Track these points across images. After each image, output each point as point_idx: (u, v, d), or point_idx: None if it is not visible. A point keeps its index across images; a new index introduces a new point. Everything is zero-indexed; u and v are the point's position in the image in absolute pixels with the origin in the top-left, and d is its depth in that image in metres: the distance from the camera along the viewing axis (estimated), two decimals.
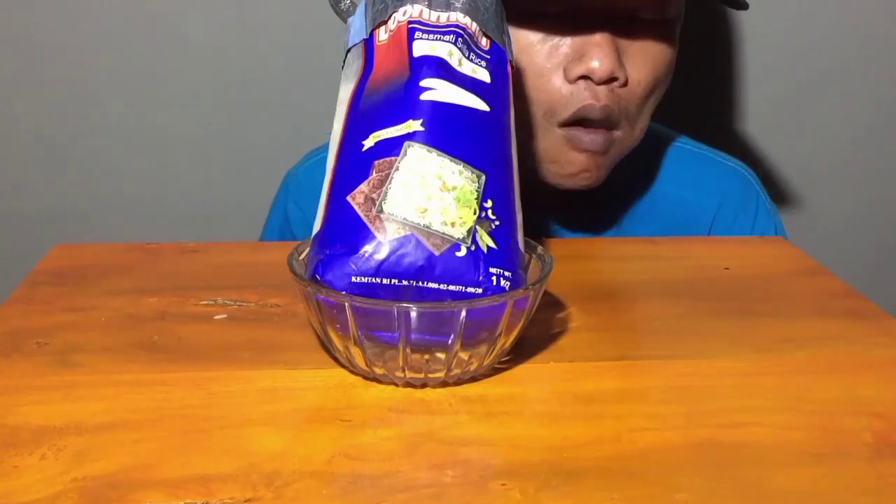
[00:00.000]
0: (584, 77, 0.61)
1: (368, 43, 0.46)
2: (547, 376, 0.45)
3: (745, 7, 0.62)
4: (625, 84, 0.62)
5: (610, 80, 0.61)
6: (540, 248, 0.47)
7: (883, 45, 1.07)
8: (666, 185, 0.77)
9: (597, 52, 0.59)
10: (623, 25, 0.61)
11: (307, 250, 0.45)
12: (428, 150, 0.42)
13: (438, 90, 0.43)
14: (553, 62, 0.61)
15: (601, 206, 0.76)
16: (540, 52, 0.61)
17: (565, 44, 0.61)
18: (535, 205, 0.72)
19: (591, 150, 0.63)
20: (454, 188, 0.42)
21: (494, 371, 0.45)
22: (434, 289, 0.41)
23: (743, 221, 0.77)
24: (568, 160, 0.64)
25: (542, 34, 0.61)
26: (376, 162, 0.42)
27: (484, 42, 0.46)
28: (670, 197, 0.76)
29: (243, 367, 0.45)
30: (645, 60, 0.62)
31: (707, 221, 0.77)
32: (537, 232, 0.74)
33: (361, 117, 0.44)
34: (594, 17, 0.60)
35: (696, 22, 1.04)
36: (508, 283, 0.42)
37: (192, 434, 0.39)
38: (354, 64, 0.46)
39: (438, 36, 0.45)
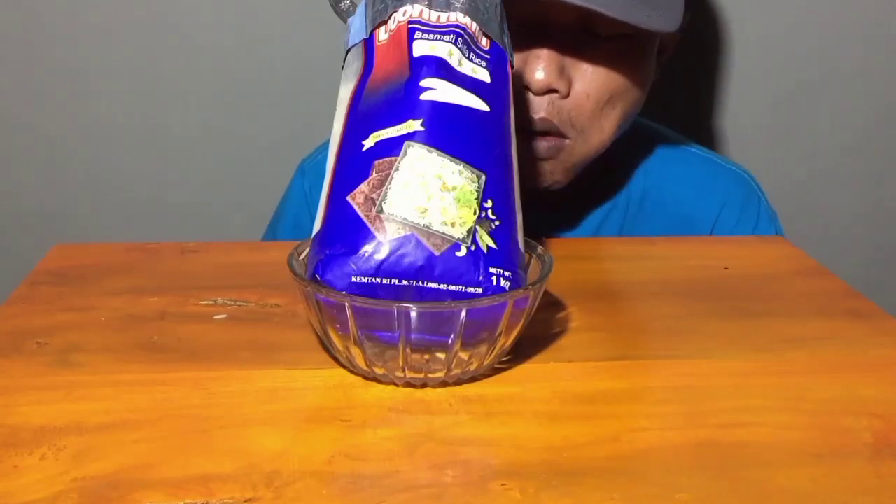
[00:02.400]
0: (526, 88, 0.61)
1: (368, 43, 0.46)
2: (547, 376, 0.45)
3: (679, 29, 0.62)
4: (567, 96, 0.62)
5: (548, 91, 0.61)
6: (540, 248, 0.47)
7: (883, 45, 1.07)
8: (669, 187, 0.77)
9: (537, 63, 0.60)
10: (576, 39, 0.61)
11: (307, 250, 0.45)
12: (428, 150, 0.42)
13: (438, 90, 0.43)
14: None
15: (601, 206, 0.76)
16: None
17: (514, 55, 0.62)
18: (534, 204, 0.72)
19: (535, 156, 0.64)
20: (454, 188, 0.42)
21: (494, 371, 0.45)
22: (434, 289, 0.41)
23: (744, 225, 0.77)
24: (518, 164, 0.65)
25: None
26: (376, 162, 0.42)
27: (484, 42, 0.46)
28: (673, 198, 0.77)
29: (243, 367, 0.45)
30: (596, 74, 0.62)
31: (709, 224, 0.77)
32: (537, 231, 0.74)
33: (361, 117, 0.44)
34: (545, 31, 0.61)
35: (696, 25, 1.04)
36: (508, 283, 0.42)
37: (192, 434, 0.39)
38: (354, 64, 0.46)
39: (438, 36, 0.45)
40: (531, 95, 0.62)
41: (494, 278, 0.42)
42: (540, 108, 0.62)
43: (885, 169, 1.14)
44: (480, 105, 0.44)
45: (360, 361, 0.42)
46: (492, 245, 0.42)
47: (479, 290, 0.42)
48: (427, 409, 0.42)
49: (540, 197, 0.70)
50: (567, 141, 0.64)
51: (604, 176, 0.75)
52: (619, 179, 0.76)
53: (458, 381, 0.44)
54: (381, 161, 0.42)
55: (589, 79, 0.62)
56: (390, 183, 0.42)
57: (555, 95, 0.62)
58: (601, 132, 0.65)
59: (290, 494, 0.35)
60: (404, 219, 0.41)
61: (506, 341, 0.43)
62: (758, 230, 0.78)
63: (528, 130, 0.63)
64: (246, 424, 0.40)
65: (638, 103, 0.67)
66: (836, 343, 0.50)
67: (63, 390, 0.42)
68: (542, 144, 0.63)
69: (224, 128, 1.03)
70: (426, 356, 0.42)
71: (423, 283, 0.41)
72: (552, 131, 0.63)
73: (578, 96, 0.63)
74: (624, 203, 0.76)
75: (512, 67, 0.47)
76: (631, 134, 0.71)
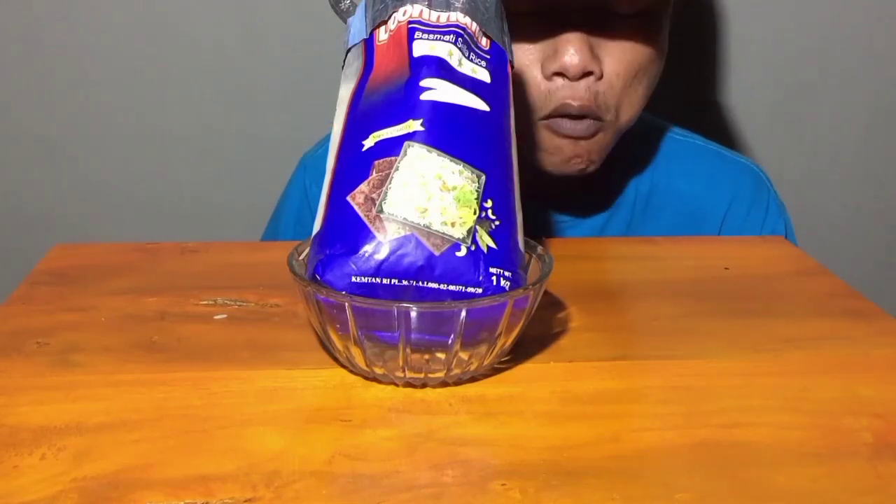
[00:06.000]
0: (559, 74, 0.62)
1: (368, 43, 0.46)
2: (547, 376, 0.45)
3: None
4: (601, 77, 0.63)
5: (584, 74, 0.62)
6: (540, 248, 0.47)
7: (882, 45, 1.07)
8: (678, 180, 0.77)
9: (569, 48, 0.61)
10: (598, 19, 0.62)
11: (307, 250, 0.45)
12: (428, 150, 0.42)
13: (438, 90, 0.43)
14: (530, 59, 0.63)
15: (609, 201, 0.76)
16: (516, 51, 0.63)
17: (540, 41, 0.62)
18: (543, 196, 0.72)
19: (574, 136, 0.64)
20: (454, 188, 0.42)
21: (494, 371, 0.45)
22: (434, 289, 0.41)
23: (755, 217, 0.77)
24: (555, 147, 0.65)
25: (517, 33, 0.62)
26: (376, 162, 0.42)
27: (484, 42, 0.46)
28: (683, 192, 0.77)
29: (243, 367, 0.45)
30: (622, 54, 0.63)
31: (719, 216, 0.77)
32: (545, 226, 0.74)
33: (361, 117, 0.44)
34: (567, 14, 0.61)
35: (699, 22, 1.04)
36: (508, 283, 0.42)
37: (192, 434, 0.39)
38: (354, 64, 0.46)
39: (438, 36, 0.45)
40: (566, 82, 0.62)
41: (494, 278, 0.42)
42: (577, 93, 0.62)
43: (885, 169, 1.14)
44: (480, 105, 0.44)
45: (360, 361, 0.42)
46: (492, 245, 0.42)
47: (479, 290, 0.42)
48: (427, 409, 0.42)
49: (549, 190, 0.70)
50: (604, 122, 0.65)
51: (611, 171, 0.75)
52: (627, 174, 0.76)
53: (458, 381, 0.44)
54: (381, 161, 0.42)
55: (617, 58, 0.63)
56: (390, 183, 0.42)
57: (590, 78, 0.63)
58: (632, 108, 0.66)
59: (290, 494, 0.35)
60: (404, 219, 0.41)
61: (506, 341, 0.43)
62: (767, 222, 0.77)
63: (564, 116, 0.64)
64: (246, 424, 0.40)
65: (658, 76, 0.68)
66: (836, 343, 0.50)
67: (63, 390, 0.42)
68: (580, 126, 0.64)
69: (224, 128, 1.03)
70: (426, 356, 0.42)
71: (423, 283, 0.41)
72: (590, 115, 0.64)
73: (610, 76, 0.63)
74: (632, 197, 0.76)
75: (512, 67, 0.47)
76: (638, 129, 0.71)
